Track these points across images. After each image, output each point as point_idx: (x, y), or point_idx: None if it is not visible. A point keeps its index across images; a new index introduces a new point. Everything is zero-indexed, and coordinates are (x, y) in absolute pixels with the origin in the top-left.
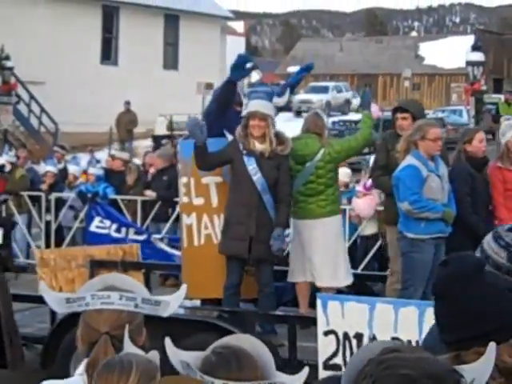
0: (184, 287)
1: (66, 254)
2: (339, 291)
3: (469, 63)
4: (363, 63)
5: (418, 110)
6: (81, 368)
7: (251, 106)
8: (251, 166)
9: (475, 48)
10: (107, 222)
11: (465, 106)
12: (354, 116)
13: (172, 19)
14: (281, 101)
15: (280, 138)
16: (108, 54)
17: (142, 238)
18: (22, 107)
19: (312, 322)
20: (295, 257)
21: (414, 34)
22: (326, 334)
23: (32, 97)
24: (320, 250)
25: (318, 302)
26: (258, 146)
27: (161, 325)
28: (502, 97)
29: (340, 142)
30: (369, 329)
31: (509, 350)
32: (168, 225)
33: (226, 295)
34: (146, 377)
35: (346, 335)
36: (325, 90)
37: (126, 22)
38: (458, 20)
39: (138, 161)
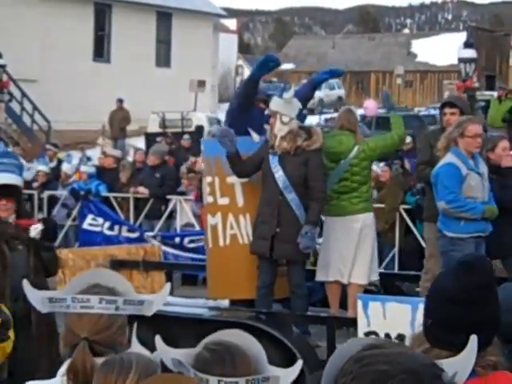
0: (168, 286)
1: (86, 253)
2: (366, 291)
3: (461, 60)
4: (356, 60)
5: (466, 105)
6: (63, 369)
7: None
8: (273, 163)
9: (467, 45)
10: (100, 220)
11: None
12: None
13: (164, 17)
14: (288, 95)
15: (309, 132)
16: (100, 51)
17: (134, 235)
18: (14, 105)
19: (352, 323)
20: (324, 255)
21: (406, 31)
22: (367, 335)
23: (24, 95)
24: (351, 248)
25: (359, 303)
26: (278, 143)
27: (196, 327)
28: (495, 94)
29: (375, 140)
30: (411, 329)
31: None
32: (161, 222)
33: (258, 295)
34: (145, 377)
35: (387, 336)
36: None
37: (118, 20)
38: (450, 17)
39: (130, 158)
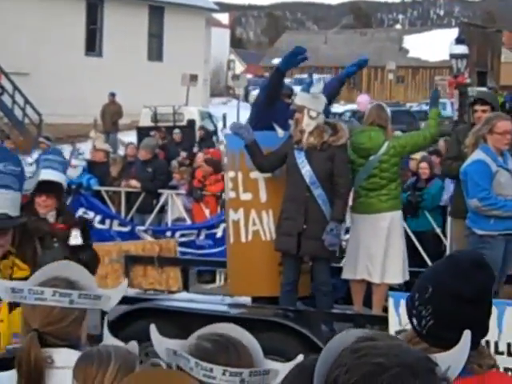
0: (125, 282)
1: (99, 249)
2: (390, 289)
3: (453, 56)
4: (348, 55)
5: (496, 101)
6: None
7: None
8: (300, 159)
9: (459, 41)
10: (91, 214)
11: (449, 99)
12: (338, 108)
13: (157, 10)
14: (315, 90)
15: (335, 128)
16: (92, 45)
17: (126, 229)
18: (5, 98)
19: (383, 321)
20: (352, 253)
21: (398, 26)
22: (398, 333)
23: (16, 88)
24: (379, 247)
25: (390, 301)
26: (304, 139)
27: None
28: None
29: (406, 136)
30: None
31: None
32: (152, 216)
33: (283, 292)
34: (124, 368)
35: None
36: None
37: (110, 14)
38: (442, 13)
39: (122, 152)
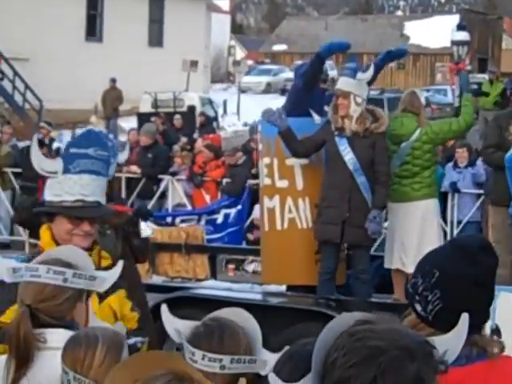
0: (120, 263)
1: None
2: None
3: (454, 43)
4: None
5: None
6: None
7: (337, 84)
8: (343, 146)
9: (460, 27)
10: None
11: (450, 86)
12: None
13: None
14: (364, 76)
15: (374, 115)
16: (93, 30)
17: None
18: (6, 84)
19: None
20: (390, 242)
21: (399, 13)
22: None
23: (16, 73)
24: (413, 237)
25: None
26: (348, 125)
27: (263, 313)
28: (487, 77)
29: (439, 123)
30: (491, 319)
31: None
32: (153, 202)
33: (321, 281)
34: (113, 349)
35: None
36: None
37: None
38: None
39: (123, 138)
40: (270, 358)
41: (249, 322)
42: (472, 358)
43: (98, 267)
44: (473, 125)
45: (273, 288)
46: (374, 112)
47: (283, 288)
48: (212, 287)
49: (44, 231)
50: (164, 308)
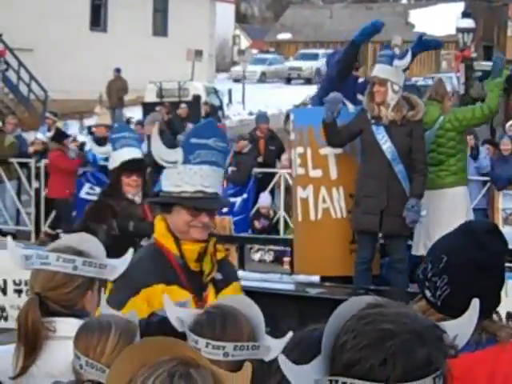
0: (131, 251)
1: None
2: None
3: (459, 30)
4: (353, 30)
5: None
6: None
7: (373, 71)
8: (380, 134)
9: (465, 15)
10: (97, 189)
11: (454, 73)
12: None
13: None
14: (401, 63)
15: (411, 102)
16: (97, 20)
17: None
18: (11, 74)
19: None
20: (417, 228)
21: (404, 0)
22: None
23: (21, 64)
24: (437, 223)
25: None
26: (385, 113)
27: (300, 304)
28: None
29: (463, 110)
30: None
31: None
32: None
33: (358, 271)
34: (125, 336)
35: (509, 315)
36: (314, 57)
37: None
38: None
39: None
40: (273, 344)
41: (251, 309)
42: (482, 343)
43: (214, 259)
44: (497, 111)
45: (302, 278)
46: (410, 99)
47: (314, 278)
48: (244, 278)
49: (159, 222)
50: (166, 297)
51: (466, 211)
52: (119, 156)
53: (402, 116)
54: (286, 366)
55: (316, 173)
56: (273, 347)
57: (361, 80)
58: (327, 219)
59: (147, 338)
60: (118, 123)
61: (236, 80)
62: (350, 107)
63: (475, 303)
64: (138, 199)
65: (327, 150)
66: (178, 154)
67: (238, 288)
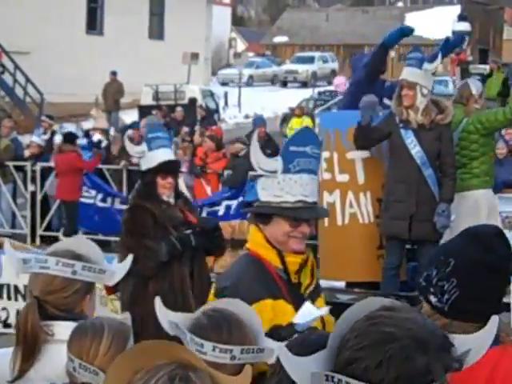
0: (130, 257)
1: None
2: None
3: (455, 33)
4: (349, 33)
5: None
6: None
7: (401, 74)
8: (409, 138)
9: (461, 18)
10: (93, 192)
11: (450, 77)
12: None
13: None
14: (431, 67)
15: (439, 106)
16: (93, 23)
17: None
18: (7, 77)
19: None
20: (447, 234)
21: (400, 4)
22: None
23: (17, 67)
24: (459, 226)
25: None
26: (413, 117)
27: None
28: (488, 67)
29: (486, 113)
30: None
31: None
32: None
33: (386, 277)
34: (118, 338)
35: None
36: (311, 60)
37: None
38: None
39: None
40: (276, 347)
41: (248, 313)
42: None
43: (314, 271)
44: None
45: (325, 283)
46: (439, 103)
47: (339, 284)
48: None
49: (255, 233)
50: (157, 300)
51: (488, 214)
52: (155, 157)
53: (430, 120)
54: (285, 356)
55: (343, 177)
56: (276, 350)
57: (387, 84)
58: (354, 224)
59: (144, 341)
60: (153, 123)
61: (223, 83)
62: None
63: (495, 319)
64: (172, 201)
65: (354, 155)
66: (277, 163)
67: (324, 299)
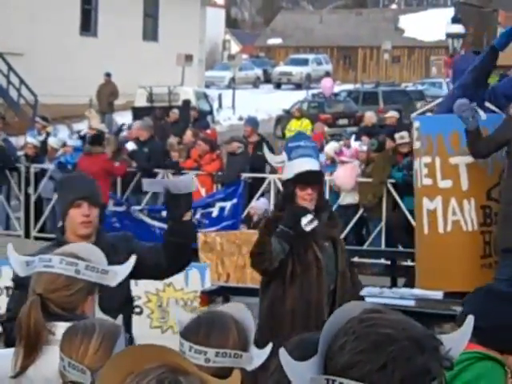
0: (133, 258)
1: (236, 237)
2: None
3: (449, 35)
4: (343, 35)
5: None
6: None
7: None
8: None
9: (455, 20)
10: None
11: (444, 79)
12: (334, 88)
13: None
14: None
15: None
16: (87, 25)
17: (121, 209)
18: (0, 78)
19: None
20: None
21: (394, 6)
22: None
23: (11, 68)
24: None
25: None
26: None
27: (422, 323)
28: None
29: None
30: None
31: None
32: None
33: None
34: (108, 339)
35: None
36: (305, 62)
37: None
38: None
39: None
40: (256, 354)
41: (245, 318)
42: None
43: None
44: None
45: (419, 293)
46: None
47: (435, 294)
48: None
49: None
50: (172, 303)
51: None
52: (294, 167)
53: None
54: (285, 360)
55: (445, 183)
56: (255, 357)
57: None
58: (458, 232)
59: (135, 345)
60: (297, 131)
61: (278, 84)
62: (482, 115)
63: (470, 320)
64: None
65: (458, 160)
66: (283, 156)
67: None
